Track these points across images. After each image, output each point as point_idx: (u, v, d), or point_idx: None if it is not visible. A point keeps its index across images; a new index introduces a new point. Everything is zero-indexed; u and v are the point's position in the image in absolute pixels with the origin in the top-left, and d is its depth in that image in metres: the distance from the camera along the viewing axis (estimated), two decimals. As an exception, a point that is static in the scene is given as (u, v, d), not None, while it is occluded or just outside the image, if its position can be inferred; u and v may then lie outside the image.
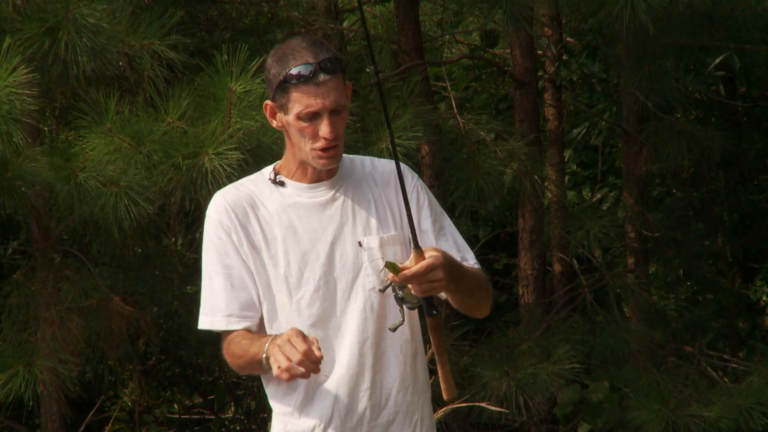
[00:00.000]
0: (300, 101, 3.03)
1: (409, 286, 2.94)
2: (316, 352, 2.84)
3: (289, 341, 2.85)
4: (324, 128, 3.05)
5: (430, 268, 2.91)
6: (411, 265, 2.91)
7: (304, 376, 2.85)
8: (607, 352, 6.60)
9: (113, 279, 5.95)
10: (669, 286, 7.85)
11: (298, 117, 3.05)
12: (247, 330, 3.10)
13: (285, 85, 3.04)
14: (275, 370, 2.86)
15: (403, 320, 3.04)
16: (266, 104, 3.14)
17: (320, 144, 3.07)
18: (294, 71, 3.02)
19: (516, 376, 6.07)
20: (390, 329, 3.05)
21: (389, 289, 3.02)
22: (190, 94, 5.02)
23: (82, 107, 4.98)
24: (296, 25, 6.45)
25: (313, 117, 3.04)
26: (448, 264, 2.99)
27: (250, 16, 6.61)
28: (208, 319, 3.13)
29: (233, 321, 3.10)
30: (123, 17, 5.08)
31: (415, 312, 3.12)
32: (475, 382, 6.10)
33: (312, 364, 2.83)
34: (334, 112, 3.06)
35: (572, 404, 6.93)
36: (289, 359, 2.83)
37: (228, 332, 3.12)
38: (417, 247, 2.94)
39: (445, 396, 3.08)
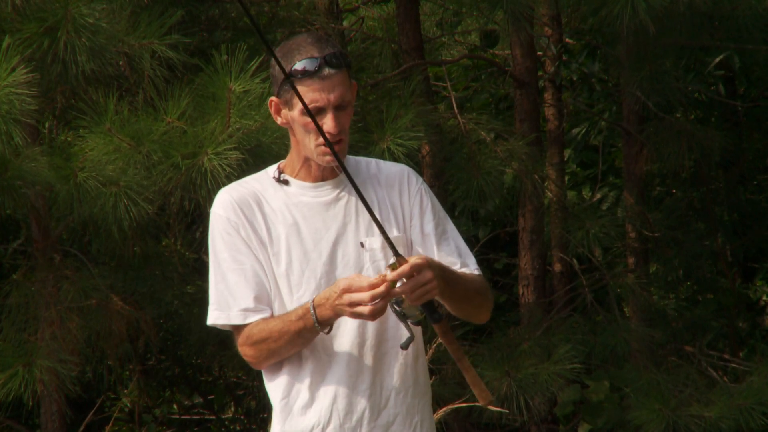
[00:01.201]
0: (305, 96, 3.00)
1: (406, 299, 2.93)
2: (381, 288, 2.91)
3: (349, 289, 2.93)
4: (328, 123, 3.03)
5: (416, 268, 2.90)
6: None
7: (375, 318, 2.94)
8: (607, 351, 6.60)
9: (113, 279, 5.94)
10: (669, 286, 7.85)
11: (302, 112, 3.04)
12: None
13: (290, 80, 3.03)
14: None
15: (413, 336, 3.03)
16: (271, 100, 3.13)
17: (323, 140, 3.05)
18: (299, 66, 3.01)
19: (516, 376, 6.07)
20: (402, 347, 3.04)
21: (389, 308, 3.00)
22: (190, 93, 5.01)
23: (82, 107, 4.98)
24: (296, 24, 6.45)
25: (317, 112, 3.02)
26: (438, 267, 2.99)
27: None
28: (223, 314, 3.10)
29: (250, 314, 3.08)
30: (122, 17, 5.08)
31: None
32: (475, 382, 6.09)
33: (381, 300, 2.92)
34: (338, 108, 3.05)
35: (572, 404, 6.93)
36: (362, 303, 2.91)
37: (242, 327, 3.10)
38: (398, 255, 2.93)
39: (481, 401, 3.08)
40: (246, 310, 3.08)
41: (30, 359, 5.22)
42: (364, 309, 2.91)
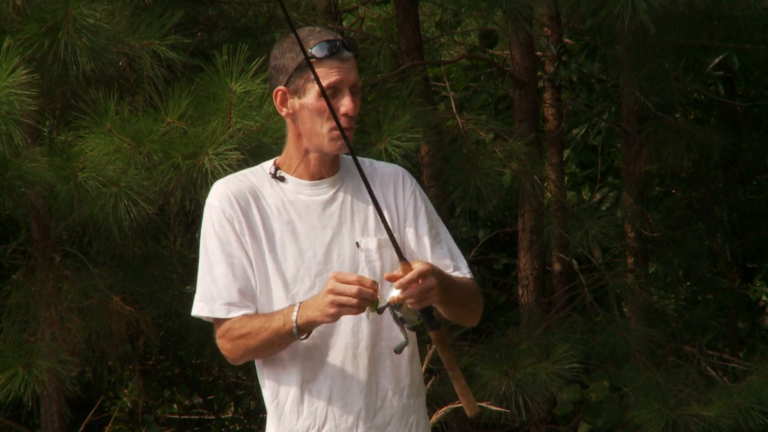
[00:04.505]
0: (323, 76, 3.01)
1: (407, 303, 2.93)
2: (367, 282, 2.89)
3: (337, 282, 2.89)
4: (346, 102, 3.04)
5: (423, 274, 2.90)
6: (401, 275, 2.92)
7: (359, 308, 2.90)
8: (606, 351, 6.61)
9: (113, 279, 5.94)
10: (669, 286, 7.85)
11: (320, 93, 3.02)
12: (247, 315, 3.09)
13: (308, 61, 3.01)
14: (330, 312, 2.91)
15: (407, 341, 3.02)
16: (278, 90, 3.11)
17: (341, 122, 3.03)
18: (317, 48, 3.03)
19: (515, 375, 6.07)
20: (395, 351, 3.04)
21: (387, 311, 2.99)
22: (190, 94, 5.02)
23: (82, 107, 4.98)
24: (295, 25, 6.45)
25: (334, 93, 3.03)
26: (438, 274, 2.99)
27: (248, 17, 6.61)
28: (207, 306, 3.09)
29: (234, 309, 3.08)
30: (123, 17, 5.08)
31: None
32: (474, 382, 6.10)
33: (369, 291, 2.89)
34: (353, 91, 3.06)
35: (572, 404, 6.93)
36: (346, 295, 2.88)
37: (223, 320, 3.09)
38: (403, 259, 2.92)
39: (468, 413, 3.06)
40: (230, 304, 3.08)
41: (30, 360, 5.22)
42: (351, 300, 2.89)
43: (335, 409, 3.10)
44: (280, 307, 3.07)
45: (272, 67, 3.13)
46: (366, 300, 2.90)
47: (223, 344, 3.11)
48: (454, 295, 3.10)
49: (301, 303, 2.99)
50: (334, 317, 2.94)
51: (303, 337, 3.02)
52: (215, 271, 3.09)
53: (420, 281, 2.90)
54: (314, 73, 2.98)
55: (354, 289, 2.89)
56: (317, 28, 3.09)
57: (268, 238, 3.10)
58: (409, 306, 2.93)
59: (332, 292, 2.90)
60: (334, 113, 2.98)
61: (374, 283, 2.91)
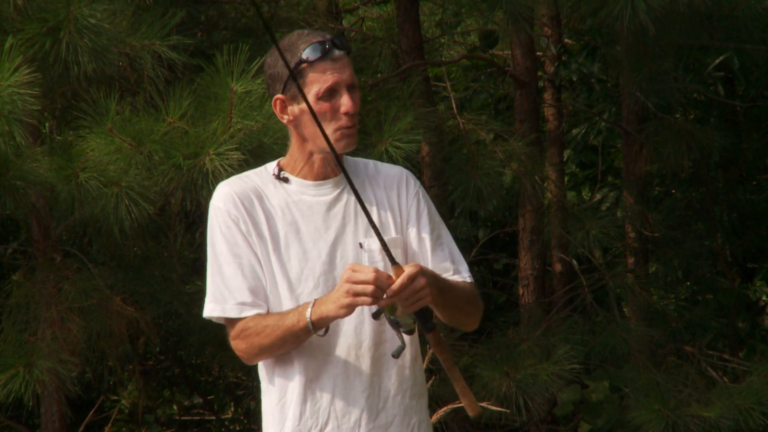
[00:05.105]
0: (318, 80, 3.03)
1: (399, 306, 2.93)
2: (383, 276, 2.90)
3: (352, 274, 2.90)
4: (345, 101, 3.04)
5: (412, 278, 2.90)
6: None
7: (374, 296, 2.89)
8: (606, 352, 6.61)
9: (113, 279, 5.94)
10: (669, 286, 7.86)
11: (318, 97, 3.03)
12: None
13: (299, 68, 3.04)
14: (345, 302, 2.91)
15: (404, 345, 3.02)
16: (276, 99, 3.11)
17: (342, 122, 3.05)
18: (307, 52, 3.03)
19: (516, 376, 6.08)
20: (393, 356, 3.03)
21: (383, 317, 2.99)
22: (191, 94, 5.02)
23: (83, 107, 4.98)
24: (296, 25, 6.46)
25: (331, 94, 3.04)
26: (431, 276, 2.99)
27: (248, 17, 6.62)
28: (218, 307, 3.09)
29: (246, 308, 3.07)
30: (124, 18, 5.09)
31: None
32: (475, 382, 6.11)
33: (384, 283, 2.88)
34: (351, 89, 3.07)
35: (572, 404, 6.93)
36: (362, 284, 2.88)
37: (236, 320, 3.09)
38: (394, 263, 2.93)
39: (469, 413, 3.05)
40: (242, 303, 3.08)
41: (30, 360, 5.22)
42: (367, 288, 2.89)
43: (337, 409, 3.10)
44: (286, 307, 3.07)
45: (267, 77, 3.14)
46: (381, 290, 2.89)
47: (238, 344, 3.11)
48: (449, 297, 3.09)
49: (316, 300, 2.99)
50: (349, 308, 2.94)
51: (321, 333, 3.03)
52: (225, 272, 3.09)
53: (410, 284, 2.90)
54: (300, 89, 2.97)
55: (371, 276, 2.89)
56: (305, 31, 3.08)
57: (273, 239, 3.10)
58: (402, 310, 2.94)
59: (349, 280, 2.91)
60: (321, 128, 2.97)
61: (389, 276, 2.91)
